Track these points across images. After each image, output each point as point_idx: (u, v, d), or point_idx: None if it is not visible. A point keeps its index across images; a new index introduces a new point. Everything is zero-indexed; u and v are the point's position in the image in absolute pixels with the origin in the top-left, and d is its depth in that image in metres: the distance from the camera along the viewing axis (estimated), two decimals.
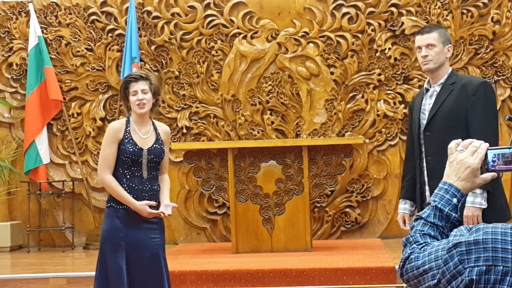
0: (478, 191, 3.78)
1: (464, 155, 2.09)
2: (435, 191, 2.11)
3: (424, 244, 2.03)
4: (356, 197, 8.14)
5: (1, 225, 8.24)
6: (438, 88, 4.05)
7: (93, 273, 4.57)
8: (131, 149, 4.40)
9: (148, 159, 4.44)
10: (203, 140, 8.20)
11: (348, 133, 8.14)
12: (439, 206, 2.08)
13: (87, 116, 8.43)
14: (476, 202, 3.84)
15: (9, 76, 8.55)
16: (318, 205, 8.08)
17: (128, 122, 4.51)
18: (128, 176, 4.41)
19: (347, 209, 8.14)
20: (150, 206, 4.43)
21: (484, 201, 3.83)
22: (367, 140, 8.08)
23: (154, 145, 4.49)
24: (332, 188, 7.58)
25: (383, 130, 8.09)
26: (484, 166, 2.07)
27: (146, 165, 4.44)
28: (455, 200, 2.08)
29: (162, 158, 4.51)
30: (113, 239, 4.38)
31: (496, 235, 1.86)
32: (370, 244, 7.45)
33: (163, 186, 4.59)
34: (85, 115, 8.44)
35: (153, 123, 4.60)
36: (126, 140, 4.43)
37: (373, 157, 8.13)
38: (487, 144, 2.09)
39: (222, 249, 7.39)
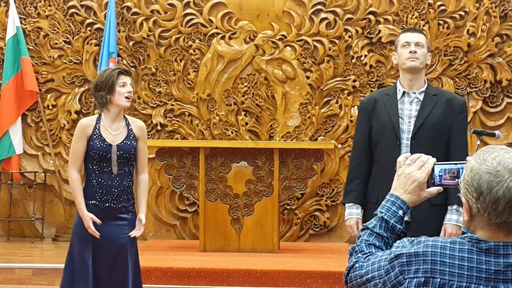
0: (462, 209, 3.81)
1: (412, 169, 2.17)
2: (382, 202, 2.18)
3: (368, 254, 2.10)
4: (325, 201, 8.21)
5: None
6: (420, 96, 4.02)
7: (60, 265, 4.65)
8: (99, 145, 4.44)
9: (117, 154, 4.48)
10: (177, 138, 8.23)
11: (321, 137, 8.22)
12: (385, 217, 2.15)
13: (62, 108, 8.43)
14: (460, 220, 3.83)
15: None
16: (288, 207, 8.14)
17: (99, 118, 4.54)
18: (97, 172, 4.45)
19: (316, 213, 8.22)
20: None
21: None
22: (340, 145, 8.16)
23: (124, 141, 4.52)
24: (302, 191, 7.65)
25: (354, 136, 8.16)
26: (431, 180, 2.15)
27: (116, 160, 4.47)
28: (401, 212, 2.15)
29: (132, 154, 4.53)
30: (81, 234, 4.43)
31: (436, 248, 1.93)
32: (337, 248, 7.53)
33: (140, 189, 4.62)
34: (60, 108, 8.44)
35: (126, 119, 4.63)
36: (95, 136, 4.47)
37: (344, 162, 8.21)
38: (434, 159, 2.16)
39: (190, 247, 7.43)
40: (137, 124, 4.66)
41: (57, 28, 8.48)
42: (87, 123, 4.53)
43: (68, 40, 8.48)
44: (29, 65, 8.26)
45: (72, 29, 8.47)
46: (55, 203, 8.44)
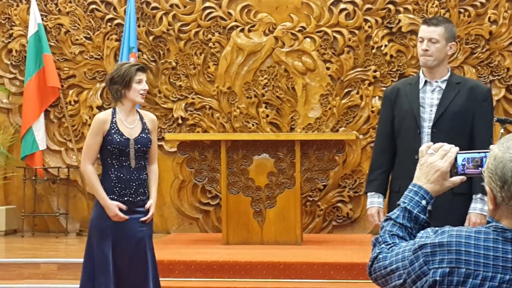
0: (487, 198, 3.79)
1: (434, 158, 2.15)
2: (405, 192, 2.17)
3: (392, 245, 2.09)
4: (348, 192, 8.20)
5: None
6: (442, 85, 3.99)
7: None
8: (118, 139, 4.46)
9: (135, 148, 4.50)
10: (198, 131, 8.25)
11: (342, 128, 8.19)
12: (408, 207, 2.13)
13: (84, 104, 8.48)
14: (485, 209, 3.81)
15: (9, 62, 8.59)
16: (310, 199, 8.14)
17: (114, 112, 4.55)
18: (116, 166, 4.47)
19: (339, 204, 8.20)
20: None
21: None
22: (361, 136, 8.13)
23: (141, 135, 4.55)
24: (324, 183, 7.64)
25: (377, 126, 8.12)
26: (454, 170, 2.13)
27: (133, 154, 4.50)
28: (424, 202, 2.14)
29: (149, 147, 4.57)
30: (100, 227, 4.45)
31: (460, 238, 1.91)
32: (360, 240, 7.51)
33: (151, 178, 4.66)
34: (82, 103, 8.49)
35: (138, 112, 4.65)
36: (113, 131, 4.48)
37: (366, 153, 8.18)
38: (457, 148, 2.14)
39: (213, 240, 7.45)
40: (149, 117, 4.70)
41: (78, 24, 8.52)
42: (104, 118, 4.53)
43: (88, 36, 8.52)
44: (51, 61, 8.32)
45: (92, 25, 8.51)
46: (78, 198, 8.50)
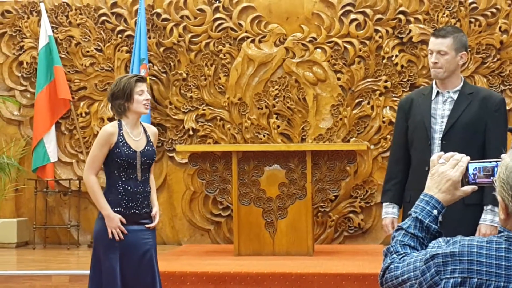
0: (497, 209, 3.77)
1: (446, 168, 2.14)
2: (416, 202, 2.16)
3: (404, 255, 2.08)
4: (359, 202, 8.17)
5: (8, 221, 8.33)
6: (454, 96, 3.97)
7: None
8: (126, 152, 4.44)
9: (141, 161, 4.50)
10: (209, 143, 8.26)
11: (354, 139, 8.18)
12: (419, 217, 2.12)
13: (95, 115, 8.50)
14: (495, 221, 3.79)
15: (19, 75, 8.64)
16: (322, 210, 8.12)
17: (120, 125, 4.53)
18: (123, 179, 4.45)
19: (351, 215, 8.18)
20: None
21: None
22: (372, 146, 8.12)
23: (146, 147, 4.54)
24: (336, 193, 7.61)
25: (388, 136, 8.11)
26: (465, 179, 2.12)
27: (140, 167, 4.49)
28: (435, 211, 2.12)
29: (154, 159, 4.59)
30: (107, 240, 4.42)
31: (472, 248, 1.90)
32: (372, 250, 7.48)
33: (152, 187, 4.66)
34: (93, 115, 8.52)
35: (141, 125, 4.65)
36: (121, 143, 4.46)
37: (377, 163, 8.16)
38: (468, 158, 2.13)
39: (225, 251, 7.44)
40: (152, 130, 4.71)
41: (89, 36, 8.55)
42: (112, 130, 4.49)
43: (99, 48, 8.55)
44: (62, 73, 8.35)
45: (103, 37, 8.54)
46: (89, 210, 8.51)
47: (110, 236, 4.39)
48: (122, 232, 4.40)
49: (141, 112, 4.54)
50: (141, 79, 4.59)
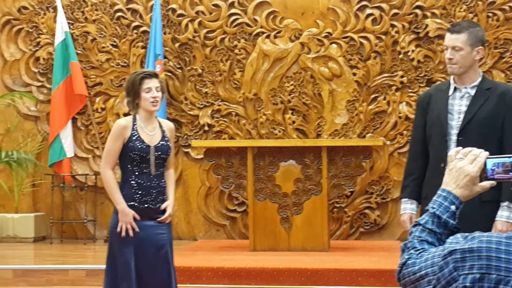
0: None
1: (464, 163, 2.12)
2: (434, 197, 2.14)
3: (421, 250, 2.06)
4: (375, 198, 8.15)
5: (25, 216, 8.38)
6: (472, 91, 3.93)
7: None
8: (139, 146, 4.46)
9: (155, 156, 4.50)
10: (224, 138, 8.26)
11: (369, 134, 8.15)
12: (437, 213, 2.11)
13: (111, 111, 8.53)
14: (511, 217, 3.78)
15: (36, 70, 8.68)
16: (337, 205, 8.10)
17: (135, 119, 4.54)
18: (136, 173, 4.47)
19: (366, 210, 8.16)
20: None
21: None
22: (388, 142, 8.09)
23: (161, 142, 4.55)
24: (351, 189, 7.60)
25: (405, 132, 8.08)
26: (483, 175, 2.10)
27: (154, 161, 4.50)
28: (453, 207, 2.11)
29: (168, 155, 4.58)
30: (121, 234, 4.44)
31: (490, 243, 1.88)
32: (388, 246, 7.46)
33: (169, 181, 4.66)
34: (109, 110, 8.54)
35: (158, 120, 4.65)
36: (134, 138, 4.48)
37: (393, 159, 8.14)
38: (486, 153, 2.11)
39: (240, 246, 7.44)
40: (168, 126, 4.70)
41: (104, 32, 8.58)
42: (125, 124, 4.53)
43: (115, 44, 8.57)
44: (78, 69, 8.38)
45: (119, 33, 8.56)
46: (106, 205, 8.54)
47: (118, 230, 4.41)
48: (133, 228, 4.41)
49: (149, 109, 4.52)
50: (149, 76, 4.54)
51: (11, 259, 7.26)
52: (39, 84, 8.68)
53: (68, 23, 8.50)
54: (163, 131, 4.60)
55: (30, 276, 6.37)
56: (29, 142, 8.50)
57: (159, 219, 4.52)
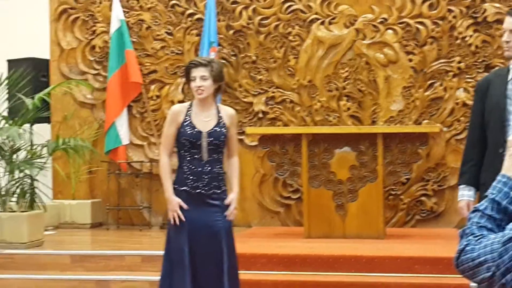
0: None
1: None
2: (493, 183, 2.09)
3: (480, 237, 2.02)
4: (432, 185, 8.03)
5: (82, 202, 8.51)
6: None
7: None
8: (189, 132, 4.52)
9: (207, 141, 4.53)
10: (278, 125, 8.24)
11: (426, 121, 8.03)
12: (496, 198, 2.06)
13: (166, 98, 8.59)
14: None
15: (92, 59, 8.78)
16: (393, 193, 8.01)
17: (191, 105, 4.63)
18: (188, 158, 4.54)
19: (423, 198, 8.05)
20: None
21: None
22: (445, 129, 7.96)
23: (215, 128, 4.57)
24: (407, 176, 7.51)
25: (462, 118, 7.94)
26: None
27: (206, 147, 4.53)
28: None
29: (222, 141, 4.58)
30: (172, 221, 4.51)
31: None
32: (445, 234, 7.35)
33: (232, 171, 4.71)
34: (163, 98, 8.60)
35: (217, 107, 4.68)
36: (186, 123, 4.55)
37: (450, 146, 8.01)
38: None
39: (295, 233, 7.43)
40: (227, 112, 4.71)
41: (159, 19, 8.62)
42: (178, 109, 4.65)
43: (169, 31, 8.61)
44: (133, 57, 8.45)
45: (173, 20, 8.59)
46: (161, 192, 8.54)
47: (169, 217, 4.49)
48: (192, 210, 4.46)
49: (196, 97, 4.59)
50: (194, 65, 4.60)
51: (69, 244, 7.39)
52: (95, 72, 8.78)
53: (123, 11, 8.57)
54: (219, 117, 4.62)
55: (87, 261, 6.48)
56: (86, 129, 8.62)
57: (225, 213, 4.56)
